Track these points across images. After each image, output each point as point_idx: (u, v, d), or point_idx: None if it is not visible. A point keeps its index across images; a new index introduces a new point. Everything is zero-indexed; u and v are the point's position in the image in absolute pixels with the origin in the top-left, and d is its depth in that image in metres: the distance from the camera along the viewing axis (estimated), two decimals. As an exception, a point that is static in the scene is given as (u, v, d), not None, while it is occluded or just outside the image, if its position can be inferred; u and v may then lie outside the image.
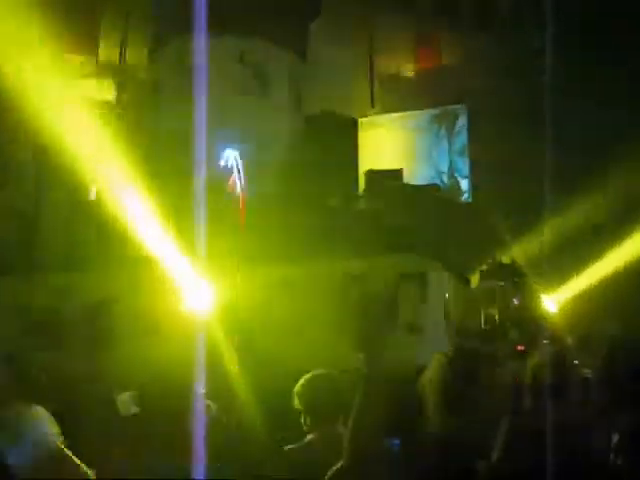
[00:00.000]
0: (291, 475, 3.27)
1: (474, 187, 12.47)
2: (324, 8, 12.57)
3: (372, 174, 11.41)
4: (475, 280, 10.26)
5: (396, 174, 11.72)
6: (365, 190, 11.14)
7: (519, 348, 8.57)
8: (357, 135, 12.60)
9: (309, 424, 3.39)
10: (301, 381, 3.44)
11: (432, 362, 2.72)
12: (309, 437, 3.38)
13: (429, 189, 11.18)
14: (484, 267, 10.47)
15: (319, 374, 3.47)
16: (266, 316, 7.16)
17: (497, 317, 10.84)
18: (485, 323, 10.46)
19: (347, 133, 12.00)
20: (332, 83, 11.94)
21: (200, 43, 9.58)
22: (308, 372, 3.51)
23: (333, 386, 3.42)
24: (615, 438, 2.62)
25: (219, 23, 9.08)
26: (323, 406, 3.34)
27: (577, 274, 9.86)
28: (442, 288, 7.67)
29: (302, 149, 10.18)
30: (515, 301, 10.33)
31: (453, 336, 7.70)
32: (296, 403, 3.42)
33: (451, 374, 2.50)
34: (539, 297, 9.67)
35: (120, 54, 11.10)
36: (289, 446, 3.35)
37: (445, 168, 12.79)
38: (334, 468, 2.24)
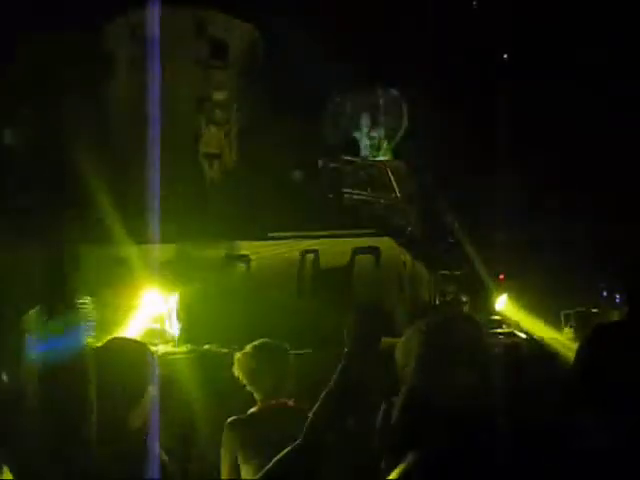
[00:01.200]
0: (234, 447, 3.18)
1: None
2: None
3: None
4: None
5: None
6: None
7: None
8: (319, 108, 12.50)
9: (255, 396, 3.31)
10: (246, 349, 3.37)
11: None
12: (252, 409, 3.32)
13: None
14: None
15: (265, 342, 3.40)
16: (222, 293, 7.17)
17: (452, 293, 11.03)
18: (439, 299, 10.64)
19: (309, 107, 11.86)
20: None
21: (154, 14, 9.43)
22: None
23: (277, 355, 3.35)
24: None
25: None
26: (265, 375, 3.25)
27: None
28: (396, 262, 7.76)
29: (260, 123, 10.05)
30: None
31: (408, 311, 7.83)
32: (236, 370, 3.34)
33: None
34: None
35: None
36: (232, 417, 3.28)
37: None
38: (290, 448, 2.05)
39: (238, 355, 3.39)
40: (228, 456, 3.21)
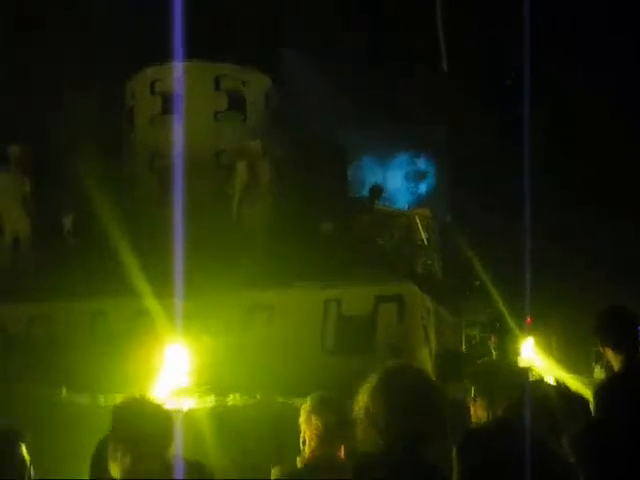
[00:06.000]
0: None
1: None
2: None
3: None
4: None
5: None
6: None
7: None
8: (346, 161, 12.48)
9: (310, 446, 3.25)
10: (313, 399, 3.33)
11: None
12: (306, 462, 3.26)
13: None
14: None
15: (330, 395, 3.38)
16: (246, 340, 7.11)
17: (478, 338, 10.88)
18: (465, 344, 10.49)
19: (336, 159, 11.74)
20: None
21: (177, 70, 9.56)
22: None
23: (341, 409, 3.26)
24: None
25: (189, 50, 9.17)
26: (334, 429, 3.20)
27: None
28: (419, 310, 7.64)
29: (286, 175, 10.05)
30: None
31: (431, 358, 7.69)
32: (304, 422, 3.29)
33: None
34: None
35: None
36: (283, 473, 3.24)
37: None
38: None
39: (307, 404, 3.33)
40: None
